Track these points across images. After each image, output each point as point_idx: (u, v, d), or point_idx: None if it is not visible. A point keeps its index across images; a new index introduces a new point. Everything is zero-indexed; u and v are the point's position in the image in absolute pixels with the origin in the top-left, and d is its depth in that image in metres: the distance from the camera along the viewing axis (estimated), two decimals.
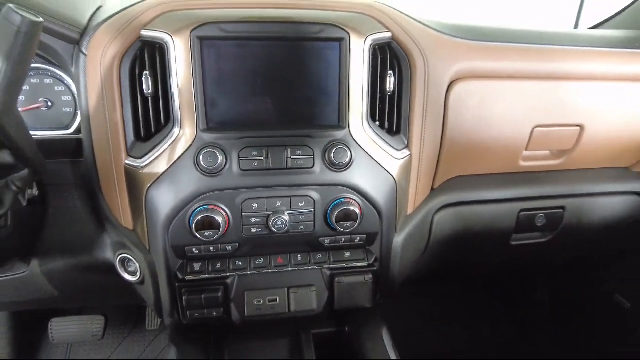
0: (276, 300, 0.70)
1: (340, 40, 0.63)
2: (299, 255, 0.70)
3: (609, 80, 0.82)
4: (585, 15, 1.33)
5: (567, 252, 1.01)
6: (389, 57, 0.68)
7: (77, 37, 0.64)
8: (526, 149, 0.81)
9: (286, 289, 0.70)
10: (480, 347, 1.37)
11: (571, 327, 1.32)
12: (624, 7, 1.05)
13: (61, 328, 1.18)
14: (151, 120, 0.64)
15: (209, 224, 0.62)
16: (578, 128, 0.82)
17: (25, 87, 0.70)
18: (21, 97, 0.71)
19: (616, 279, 1.16)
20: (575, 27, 1.27)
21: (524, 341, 1.40)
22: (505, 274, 1.37)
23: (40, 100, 0.70)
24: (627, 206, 0.93)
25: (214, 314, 0.69)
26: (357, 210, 0.66)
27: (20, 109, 0.71)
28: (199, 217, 0.62)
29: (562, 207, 0.88)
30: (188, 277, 0.67)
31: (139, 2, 0.65)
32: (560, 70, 0.78)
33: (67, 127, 0.71)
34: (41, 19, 0.49)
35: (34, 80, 0.68)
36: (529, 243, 0.91)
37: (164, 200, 0.63)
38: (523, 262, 1.03)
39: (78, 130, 0.70)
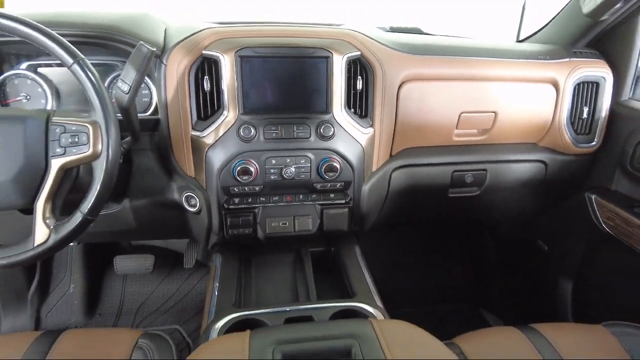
0: (286, 224, 1.08)
1: (327, 57, 0.99)
2: (301, 195, 1.08)
3: (515, 81, 1.19)
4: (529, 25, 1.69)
5: (494, 205, 1.39)
6: (359, 67, 1.05)
7: (159, 53, 1.02)
8: (456, 128, 1.18)
9: (292, 217, 1.08)
10: (439, 278, 1.76)
11: (509, 265, 1.71)
12: (541, 26, 1.42)
13: (123, 263, 1.57)
14: (208, 107, 1.01)
15: (245, 171, 0.99)
16: (493, 114, 1.19)
17: None
18: None
19: (536, 228, 1.55)
20: (517, 38, 1.63)
21: (476, 277, 1.79)
22: (454, 221, 1.75)
23: None
24: (534, 171, 1.30)
25: (246, 232, 1.07)
26: (338, 166, 1.03)
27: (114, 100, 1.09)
28: (239, 167, 0.99)
29: (485, 170, 1.26)
30: (231, 207, 1.04)
31: (199, 31, 1.02)
32: (478, 74, 1.15)
33: (145, 111, 1.09)
34: (155, 49, 0.86)
35: None
36: (462, 195, 1.29)
37: (217, 157, 1.00)
38: (461, 210, 1.41)
39: (153, 113, 1.08)
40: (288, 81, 1.01)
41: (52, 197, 0.76)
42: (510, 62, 1.17)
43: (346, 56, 1.01)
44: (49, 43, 0.74)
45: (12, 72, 1.05)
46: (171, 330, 1.51)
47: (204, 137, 1.00)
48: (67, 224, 0.77)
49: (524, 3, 1.60)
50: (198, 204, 1.06)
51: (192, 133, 1.01)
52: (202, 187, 1.05)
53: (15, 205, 0.76)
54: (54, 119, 0.76)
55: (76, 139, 0.74)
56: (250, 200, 1.06)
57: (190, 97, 1.00)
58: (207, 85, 0.99)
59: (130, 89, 0.84)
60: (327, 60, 1.00)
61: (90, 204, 0.76)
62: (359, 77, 1.04)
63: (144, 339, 0.87)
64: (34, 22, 0.74)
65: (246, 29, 1.01)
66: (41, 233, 0.75)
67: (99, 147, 0.75)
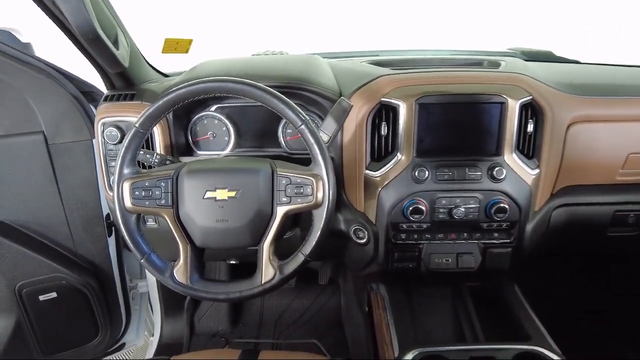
0: (449, 261, 1.12)
1: (502, 103, 1.03)
2: (465, 234, 1.11)
3: None
4: None
5: None
6: (529, 110, 1.07)
7: (336, 98, 1.11)
8: (622, 168, 1.15)
9: (455, 254, 1.12)
10: (608, 317, 1.63)
11: None
12: None
13: None
14: (382, 149, 1.08)
15: (417, 211, 1.05)
16: None
17: None
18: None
19: None
20: None
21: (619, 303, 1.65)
22: (605, 256, 1.64)
23: None
24: None
25: (410, 265, 1.13)
26: (507, 207, 1.06)
27: (288, 138, 1.20)
28: (410, 207, 1.05)
29: None
30: (398, 242, 1.11)
31: (376, 79, 1.09)
32: None
33: None
34: (352, 103, 0.95)
35: None
36: (622, 235, 1.25)
37: (390, 196, 1.07)
38: (619, 248, 1.36)
39: None
40: (461, 125, 1.05)
41: (276, 239, 0.87)
42: None
43: (520, 101, 1.03)
44: (281, 106, 0.85)
45: (202, 113, 1.20)
46: (310, 345, 1.62)
47: (377, 177, 1.07)
48: (289, 264, 0.87)
49: None
50: (366, 237, 1.13)
51: (366, 172, 1.09)
52: (371, 221, 1.12)
53: (245, 245, 0.88)
54: (279, 171, 0.87)
55: (301, 190, 0.85)
56: (416, 236, 1.11)
57: (366, 140, 1.07)
58: (383, 130, 1.06)
59: (329, 139, 0.93)
60: (502, 105, 1.03)
61: (311, 248, 0.86)
62: (530, 120, 1.06)
63: None
64: (270, 89, 0.85)
65: (422, 76, 1.07)
66: (268, 272, 0.87)
67: (321, 197, 0.85)
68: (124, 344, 1.68)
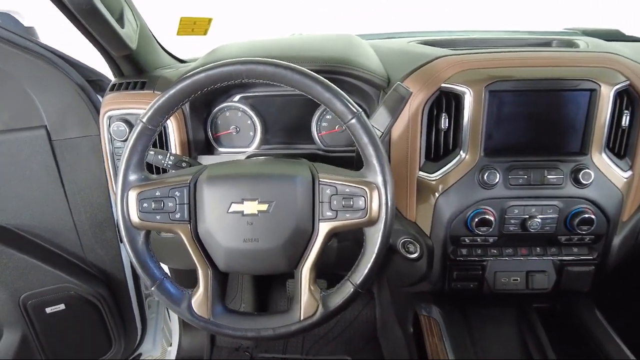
0: (518, 280, 0.94)
1: (592, 90, 0.83)
2: (538, 249, 0.93)
3: None
4: None
5: None
6: (625, 99, 0.86)
7: (384, 85, 0.92)
8: None
9: (525, 272, 0.94)
10: None
11: None
12: None
13: (292, 286, 1.55)
14: (441, 146, 0.90)
15: (484, 222, 0.87)
16: None
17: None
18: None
19: None
20: None
21: None
22: None
23: (337, 126, 1.02)
24: None
25: (471, 285, 0.95)
26: (593, 217, 0.87)
27: (323, 132, 1.03)
28: (477, 218, 0.87)
29: None
30: (458, 258, 0.93)
31: (434, 60, 0.90)
32: None
33: (351, 145, 1.01)
34: (411, 90, 0.77)
35: None
36: None
37: (450, 204, 0.88)
38: None
39: None
40: (538, 118, 0.86)
41: (317, 263, 0.70)
42: None
43: (615, 87, 0.83)
44: (327, 95, 0.67)
45: (224, 104, 1.04)
46: None
47: (433, 180, 0.89)
48: (335, 296, 0.70)
49: None
50: (418, 251, 0.95)
51: (420, 174, 0.91)
52: (424, 233, 0.94)
53: (279, 271, 0.72)
54: (321, 177, 0.69)
55: (350, 202, 0.67)
56: (479, 252, 0.93)
57: (421, 135, 0.89)
58: (444, 123, 0.87)
59: (382, 135, 0.75)
60: (592, 93, 0.83)
61: (363, 277, 0.69)
62: (626, 110, 0.86)
63: None
64: (313, 73, 0.67)
65: (492, 57, 0.88)
66: (308, 305, 0.70)
67: (376, 211, 0.67)
68: (140, 355, 1.55)
